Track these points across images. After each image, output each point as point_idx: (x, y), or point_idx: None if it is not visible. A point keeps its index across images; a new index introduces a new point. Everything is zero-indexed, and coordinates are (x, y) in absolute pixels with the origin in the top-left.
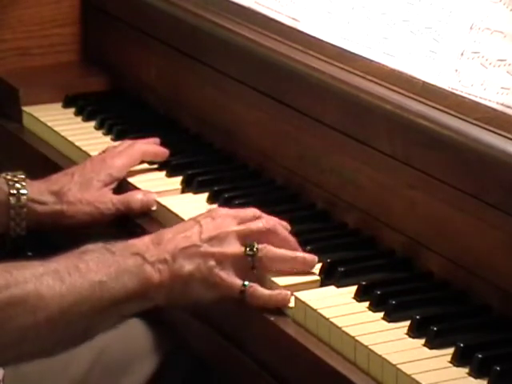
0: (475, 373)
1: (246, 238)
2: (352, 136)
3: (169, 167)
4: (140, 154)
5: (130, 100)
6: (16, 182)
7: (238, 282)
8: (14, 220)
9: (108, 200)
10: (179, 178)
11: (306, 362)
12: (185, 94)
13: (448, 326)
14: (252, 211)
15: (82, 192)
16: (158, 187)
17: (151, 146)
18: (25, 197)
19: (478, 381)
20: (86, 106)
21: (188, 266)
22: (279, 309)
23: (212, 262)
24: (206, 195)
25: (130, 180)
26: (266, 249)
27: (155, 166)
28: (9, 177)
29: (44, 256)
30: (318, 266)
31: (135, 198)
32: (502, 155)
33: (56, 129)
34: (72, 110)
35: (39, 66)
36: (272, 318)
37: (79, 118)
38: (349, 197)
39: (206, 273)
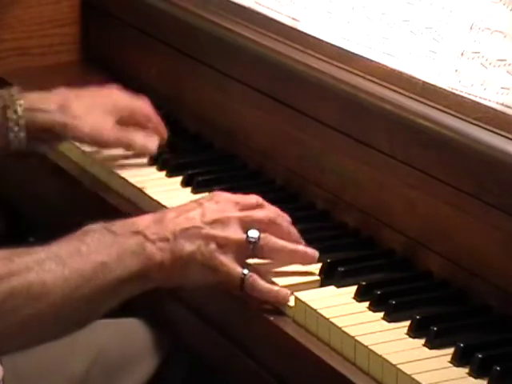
0: (475, 373)
1: (248, 226)
2: (352, 136)
3: (169, 167)
4: (146, 110)
5: None
6: (12, 95)
7: (239, 268)
8: (12, 131)
9: (110, 127)
10: (179, 178)
11: (306, 362)
12: (185, 94)
13: (448, 325)
14: (255, 198)
15: (85, 110)
16: (158, 187)
17: (157, 117)
18: (22, 107)
19: (478, 381)
20: None
21: (189, 247)
22: (279, 309)
23: (213, 245)
24: (205, 195)
25: (130, 180)
26: (268, 238)
27: (155, 167)
28: (5, 92)
29: (46, 241)
30: (318, 265)
31: (138, 138)
32: (502, 155)
33: None
34: None
35: (39, 66)
36: (272, 318)
37: None
38: (349, 197)
39: (207, 255)
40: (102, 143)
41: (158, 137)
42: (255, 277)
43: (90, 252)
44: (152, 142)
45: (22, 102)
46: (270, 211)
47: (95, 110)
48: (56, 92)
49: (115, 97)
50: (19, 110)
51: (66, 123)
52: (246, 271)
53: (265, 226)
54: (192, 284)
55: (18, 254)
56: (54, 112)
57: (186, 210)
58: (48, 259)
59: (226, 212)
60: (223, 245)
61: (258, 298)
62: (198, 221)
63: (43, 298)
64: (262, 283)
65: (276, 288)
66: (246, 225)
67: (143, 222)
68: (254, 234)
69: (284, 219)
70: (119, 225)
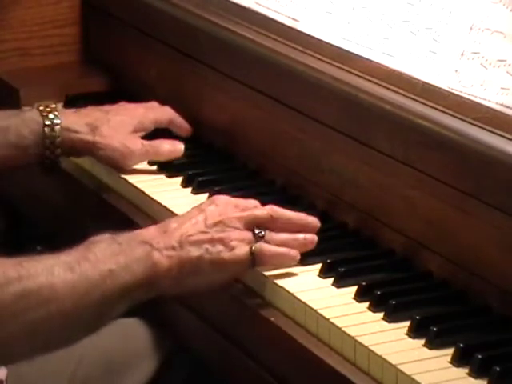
0: (475, 373)
1: (251, 224)
2: (352, 136)
3: (169, 167)
4: (169, 118)
5: (130, 100)
6: (49, 112)
7: (246, 249)
8: (48, 149)
9: (138, 141)
10: (179, 178)
11: (306, 362)
12: (185, 94)
13: (448, 326)
14: (252, 202)
15: (114, 130)
16: (158, 187)
17: (179, 117)
18: (59, 126)
19: (478, 381)
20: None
21: (196, 252)
22: (279, 309)
23: (220, 247)
24: (205, 195)
25: (131, 180)
26: (271, 234)
27: (155, 167)
28: (41, 107)
29: (54, 250)
30: (318, 266)
31: (163, 146)
32: (502, 155)
33: None
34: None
35: (39, 67)
36: (272, 318)
37: None
38: (349, 197)
39: (215, 256)
40: (131, 160)
41: (184, 134)
42: (263, 246)
43: (97, 260)
44: (177, 146)
45: (59, 120)
46: (268, 208)
47: (123, 129)
48: (87, 112)
49: (141, 113)
50: (56, 128)
51: (96, 143)
52: (253, 247)
53: (266, 222)
54: (204, 286)
55: (27, 260)
56: (86, 133)
57: (189, 218)
58: (57, 265)
59: (227, 213)
60: (229, 244)
61: (269, 263)
62: (201, 225)
63: (52, 303)
64: (269, 249)
65: (285, 249)
66: (248, 223)
67: (148, 233)
68: (259, 231)
69: (283, 211)
70: (125, 236)
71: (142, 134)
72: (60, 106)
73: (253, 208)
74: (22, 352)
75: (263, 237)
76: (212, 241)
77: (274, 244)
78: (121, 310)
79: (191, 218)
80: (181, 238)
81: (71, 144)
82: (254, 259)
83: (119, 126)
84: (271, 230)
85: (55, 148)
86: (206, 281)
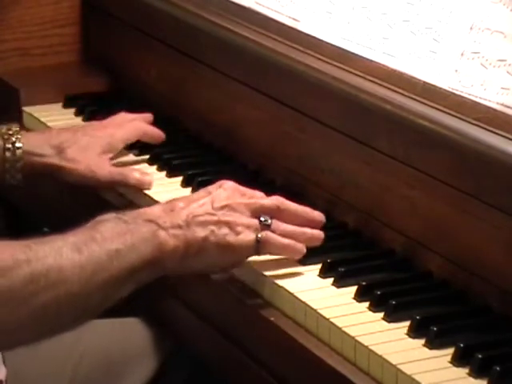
0: (475, 373)
1: (257, 212)
2: (352, 136)
3: (169, 167)
4: (139, 133)
5: (130, 100)
6: (11, 135)
7: (252, 236)
8: (9, 172)
9: (106, 168)
10: (179, 178)
11: (306, 362)
12: (185, 94)
13: (448, 325)
14: (259, 192)
15: (81, 152)
16: (158, 187)
17: (150, 128)
18: (20, 150)
19: (478, 381)
20: (86, 107)
21: (202, 233)
22: (279, 309)
23: (225, 229)
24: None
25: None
26: (277, 223)
27: (155, 167)
28: (3, 130)
29: (60, 231)
30: (318, 266)
31: (132, 175)
32: (502, 155)
33: None
34: (72, 110)
35: (39, 67)
36: (272, 318)
37: (79, 119)
38: (349, 197)
39: (221, 238)
40: (97, 185)
41: (158, 142)
42: (269, 235)
43: (104, 240)
44: (146, 178)
45: (20, 144)
46: (275, 199)
47: (91, 151)
48: (53, 134)
49: (110, 133)
50: (18, 152)
51: (61, 167)
52: (259, 235)
53: (272, 212)
54: (208, 268)
55: (35, 242)
56: (51, 156)
57: (197, 199)
58: (65, 247)
59: (235, 198)
60: (235, 228)
61: (274, 253)
62: (208, 207)
63: (61, 285)
64: (276, 239)
65: (291, 241)
66: (254, 211)
67: (154, 211)
68: (265, 219)
69: (289, 203)
70: (131, 214)
71: (111, 155)
72: (23, 131)
73: (260, 197)
74: (27, 337)
75: (269, 226)
76: (218, 223)
77: (279, 234)
78: (126, 291)
79: (198, 199)
80: (187, 218)
81: (33, 168)
82: (259, 247)
83: (87, 147)
84: (277, 218)
85: (16, 172)
86: (209, 262)
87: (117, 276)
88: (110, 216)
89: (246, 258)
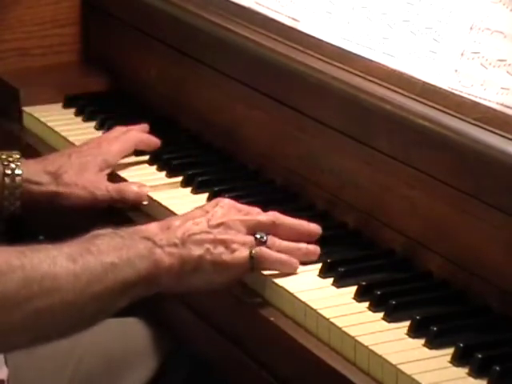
0: (475, 373)
1: (253, 228)
2: (352, 136)
3: (169, 167)
4: (134, 142)
5: (130, 100)
6: (11, 161)
7: (246, 253)
8: (7, 199)
9: (103, 186)
10: (179, 178)
11: (306, 362)
12: (185, 94)
13: (448, 326)
14: (256, 209)
15: (77, 175)
16: (158, 187)
17: (145, 136)
18: (20, 177)
19: (478, 381)
20: (86, 107)
21: (197, 251)
22: (279, 308)
23: (221, 248)
24: (206, 195)
25: (131, 180)
26: (273, 239)
27: (155, 167)
28: (4, 156)
29: (55, 240)
30: (318, 265)
31: (130, 189)
32: (502, 155)
33: (56, 129)
34: (72, 110)
35: (39, 67)
36: (272, 318)
37: (79, 119)
38: (349, 197)
39: (217, 257)
40: (96, 204)
41: (153, 149)
42: (263, 250)
43: (100, 252)
44: (143, 191)
45: (20, 171)
46: (271, 214)
47: (87, 172)
48: (49, 161)
49: (105, 149)
50: (17, 179)
51: (58, 193)
52: (253, 251)
53: (268, 228)
54: (205, 285)
55: (30, 249)
56: (48, 184)
57: (192, 217)
58: (60, 256)
59: (230, 216)
60: (230, 246)
61: (267, 268)
62: (204, 225)
63: (55, 292)
64: (270, 254)
65: (285, 256)
66: (250, 227)
67: (151, 229)
68: (261, 235)
69: (285, 217)
70: (128, 231)
71: (109, 170)
72: (23, 159)
73: (256, 213)
74: (22, 341)
75: (265, 242)
76: (214, 241)
77: (275, 250)
78: (121, 305)
79: (194, 217)
80: (183, 236)
81: (31, 196)
82: (254, 263)
83: (83, 169)
84: (273, 236)
85: (15, 200)
86: (205, 280)
87: (112, 288)
88: (106, 231)
89: (242, 274)
